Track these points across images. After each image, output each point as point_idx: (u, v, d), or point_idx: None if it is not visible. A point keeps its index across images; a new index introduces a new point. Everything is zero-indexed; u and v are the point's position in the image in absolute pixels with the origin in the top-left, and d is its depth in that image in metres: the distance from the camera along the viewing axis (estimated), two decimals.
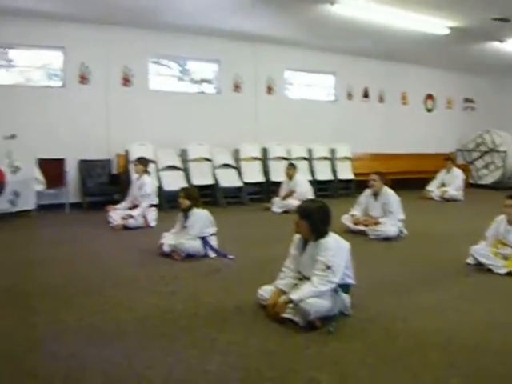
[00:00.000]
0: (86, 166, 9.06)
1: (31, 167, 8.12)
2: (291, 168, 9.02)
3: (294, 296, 3.31)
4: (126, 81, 9.55)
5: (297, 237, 3.67)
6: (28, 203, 7.97)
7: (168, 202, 8.47)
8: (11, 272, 4.78)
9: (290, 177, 8.94)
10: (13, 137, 7.95)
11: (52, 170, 8.53)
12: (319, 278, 3.33)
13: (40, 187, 8.20)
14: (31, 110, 8.67)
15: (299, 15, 8.58)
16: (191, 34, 9.67)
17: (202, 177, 9.38)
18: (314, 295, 3.28)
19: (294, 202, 8.34)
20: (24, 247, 5.96)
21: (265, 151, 10.39)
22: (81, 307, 3.76)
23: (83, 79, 9.21)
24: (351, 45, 10.74)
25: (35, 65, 9.53)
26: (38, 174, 8.18)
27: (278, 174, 9.89)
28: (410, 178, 11.56)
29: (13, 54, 9.26)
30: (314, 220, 3.46)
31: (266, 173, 10.23)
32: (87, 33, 8.99)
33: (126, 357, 2.92)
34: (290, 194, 8.79)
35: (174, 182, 8.72)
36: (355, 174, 11.06)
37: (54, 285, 4.35)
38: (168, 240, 5.35)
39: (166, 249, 5.29)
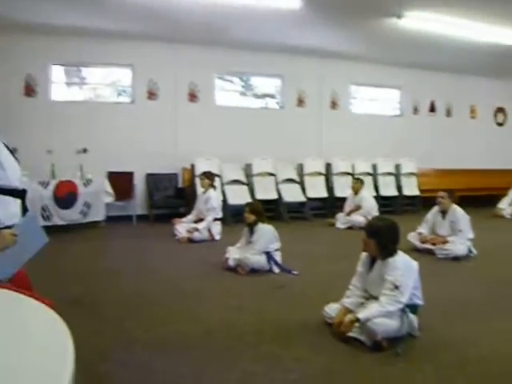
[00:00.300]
0: (153, 180, 9.31)
1: (102, 180, 8.44)
2: (357, 182, 8.93)
3: (361, 315, 3.25)
4: (193, 96, 9.78)
5: (364, 255, 3.61)
6: (98, 214, 8.27)
7: (232, 216, 8.55)
8: (82, 281, 4.95)
9: (356, 191, 8.84)
10: (85, 151, 8.31)
11: (121, 182, 8.81)
12: (387, 298, 3.26)
13: (109, 199, 8.49)
14: (102, 126, 9.04)
15: (365, 30, 8.53)
16: (256, 50, 9.79)
17: (265, 191, 9.43)
18: (381, 315, 3.22)
19: (358, 218, 8.28)
20: (94, 257, 6.18)
21: (329, 166, 10.33)
22: (148, 318, 3.85)
23: (151, 95, 9.50)
24: (418, 58, 10.55)
25: (105, 82, 9.97)
26: (107, 186, 8.48)
27: (341, 189, 9.84)
28: (479, 195, 11.17)
29: (85, 71, 9.71)
30: (383, 238, 3.39)
31: (329, 188, 10.17)
32: (155, 50, 9.31)
33: (192, 369, 2.96)
34: (355, 210, 8.67)
35: (239, 196, 8.83)
36: (421, 190, 10.81)
37: (122, 295, 4.48)
38: (233, 254, 5.39)
39: (231, 263, 5.33)
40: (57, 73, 9.24)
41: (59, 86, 9.34)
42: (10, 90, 8.01)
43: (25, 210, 3.52)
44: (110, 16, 7.75)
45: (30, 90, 8.65)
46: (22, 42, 8.33)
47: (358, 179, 9.08)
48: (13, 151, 3.49)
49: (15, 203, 3.40)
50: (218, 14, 7.62)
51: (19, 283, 2.38)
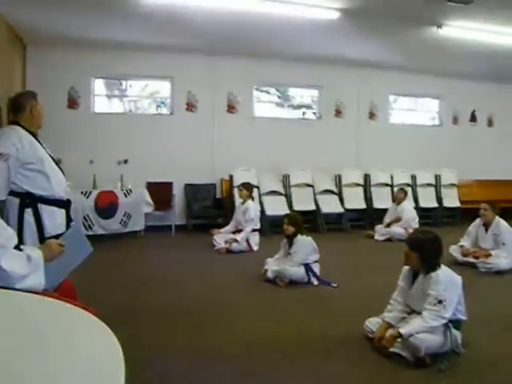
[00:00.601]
0: (191, 190, 9.38)
1: (141, 190, 8.55)
2: (401, 192, 8.78)
3: (404, 330, 3.19)
4: (231, 108, 9.85)
5: (405, 268, 3.55)
6: (137, 224, 8.36)
7: (270, 227, 8.55)
8: (125, 290, 5.02)
9: (399, 202, 8.69)
10: (125, 162, 8.46)
11: (160, 193, 8.91)
12: (430, 313, 3.19)
13: (149, 209, 8.57)
14: (141, 137, 9.15)
15: (404, 39, 8.42)
16: (294, 61, 9.77)
17: (303, 202, 9.37)
18: (424, 330, 3.15)
19: (398, 230, 8.16)
20: (135, 267, 6.25)
21: (367, 177, 10.22)
22: (188, 328, 3.87)
23: (190, 107, 9.61)
24: (458, 67, 10.37)
25: (145, 94, 10.14)
26: (147, 196, 8.57)
27: (380, 200, 9.73)
28: None
29: (125, 84, 9.92)
30: (425, 252, 3.33)
31: (368, 199, 10.05)
32: (194, 63, 9.40)
33: (232, 380, 2.97)
34: (395, 221, 8.51)
35: (276, 207, 8.83)
36: (461, 202, 10.56)
37: (162, 305, 4.51)
38: (272, 266, 5.39)
39: (269, 275, 5.32)
40: (98, 85, 9.47)
41: (100, 99, 9.57)
42: (54, 103, 8.21)
43: (69, 220, 3.60)
44: (150, 30, 7.88)
45: (72, 103, 8.88)
46: (67, 56, 8.58)
47: (401, 189, 8.92)
48: (58, 162, 3.58)
49: (60, 213, 3.48)
50: (256, 25, 7.66)
51: (65, 292, 2.43)
